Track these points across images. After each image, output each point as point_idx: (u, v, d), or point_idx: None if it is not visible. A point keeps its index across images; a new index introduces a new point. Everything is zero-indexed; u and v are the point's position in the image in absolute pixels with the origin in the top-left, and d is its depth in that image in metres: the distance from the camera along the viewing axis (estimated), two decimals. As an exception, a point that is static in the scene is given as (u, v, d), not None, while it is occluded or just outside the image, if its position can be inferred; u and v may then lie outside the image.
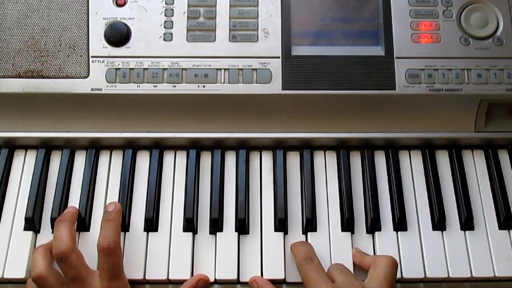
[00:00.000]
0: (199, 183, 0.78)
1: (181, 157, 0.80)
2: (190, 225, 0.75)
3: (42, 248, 0.71)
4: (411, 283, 0.74)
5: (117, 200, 0.76)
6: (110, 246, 0.68)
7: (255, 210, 0.77)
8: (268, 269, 0.73)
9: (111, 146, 0.80)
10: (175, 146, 0.81)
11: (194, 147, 0.80)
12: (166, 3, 0.79)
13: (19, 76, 0.77)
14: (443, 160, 0.81)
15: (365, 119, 0.79)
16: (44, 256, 0.70)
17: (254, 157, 0.81)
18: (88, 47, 0.78)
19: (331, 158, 0.81)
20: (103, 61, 0.77)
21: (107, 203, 0.76)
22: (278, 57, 0.78)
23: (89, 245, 0.73)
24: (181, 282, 0.72)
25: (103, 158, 0.80)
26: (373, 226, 0.75)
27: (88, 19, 0.78)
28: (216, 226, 0.75)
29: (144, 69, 0.77)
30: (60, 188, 0.77)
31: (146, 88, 0.77)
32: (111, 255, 0.68)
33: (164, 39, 0.78)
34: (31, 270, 0.69)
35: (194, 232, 0.75)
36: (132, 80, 0.77)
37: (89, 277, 0.68)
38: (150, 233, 0.75)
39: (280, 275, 0.72)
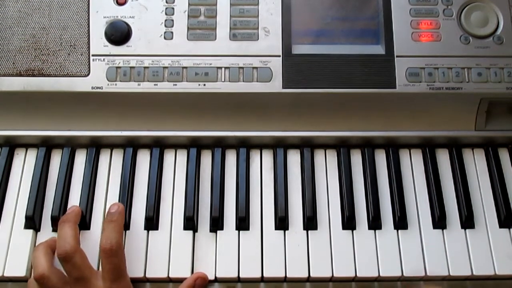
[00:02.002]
0: (200, 182, 0.78)
1: (182, 155, 0.80)
2: (190, 224, 0.75)
3: (43, 246, 0.71)
4: (412, 281, 0.74)
5: (117, 199, 0.76)
6: (113, 248, 0.68)
7: (255, 208, 0.77)
8: (269, 267, 0.73)
9: (111, 144, 0.80)
10: (175, 144, 0.80)
11: (195, 146, 0.80)
12: (166, 2, 0.79)
13: (20, 74, 0.77)
14: (443, 159, 0.81)
15: (365, 118, 0.79)
16: (45, 255, 0.69)
17: (255, 156, 0.81)
18: (89, 46, 0.78)
19: (332, 157, 0.81)
20: (103, 59, 0.77)
21: (107, 201, 0.76)
22: (279, 56, 0.78)
23: (90, 244, 0.73)
24: (181, 280, 0.72)
25: (104, 157, 0.80)
26: (374, 224, 0.75)
27: (88, 18, 0.78)
28: (216, 224, 0.75)
29: (145, 67, 0.77)
30: (61, 186, 0.77)
31: (146, 87, 0.77)
32: (114, 256, 0.68)
33: (165, 38, 0.78)
34: (33, 270, 0.69)
35: (195, 230, 0.75)
36: (133, 78, 0.77)
37: (92, 277, 0.68)
38: (150, 232, 0.75)
39: (280, 273, 0.72)
